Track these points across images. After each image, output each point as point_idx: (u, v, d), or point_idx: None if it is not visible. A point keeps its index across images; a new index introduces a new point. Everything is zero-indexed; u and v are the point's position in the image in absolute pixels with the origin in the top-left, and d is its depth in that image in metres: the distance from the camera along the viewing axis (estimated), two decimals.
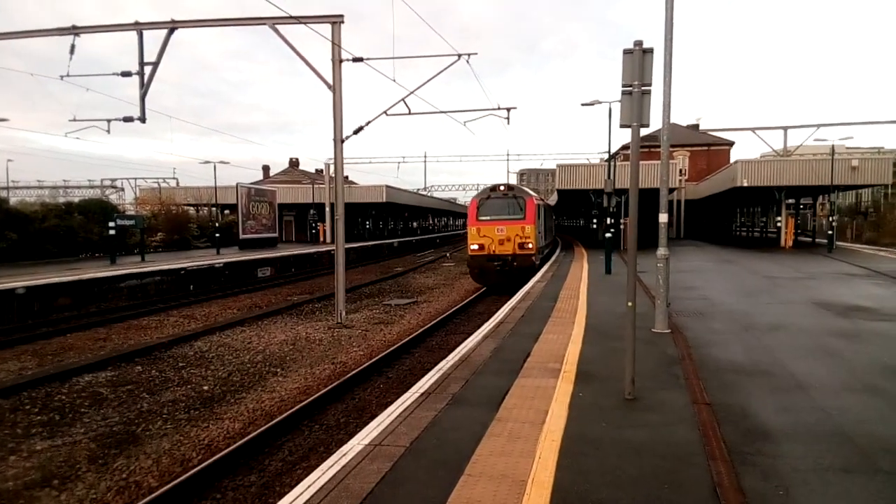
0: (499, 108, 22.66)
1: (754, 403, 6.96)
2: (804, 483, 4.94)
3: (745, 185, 33.51)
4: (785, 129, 45.25)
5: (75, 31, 17.33)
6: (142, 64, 17.59)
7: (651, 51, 7.27)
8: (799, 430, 6.11)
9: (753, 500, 4.62)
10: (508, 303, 14.92)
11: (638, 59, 7.24)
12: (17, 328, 17.44)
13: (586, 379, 7.99)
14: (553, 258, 29.49)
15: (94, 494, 7.18)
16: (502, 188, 23.44)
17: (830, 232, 33.39)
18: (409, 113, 20.06)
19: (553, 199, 54.47)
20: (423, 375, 8.50)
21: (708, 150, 58.66)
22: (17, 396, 10.81)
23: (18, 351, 14.55)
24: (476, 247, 22.66)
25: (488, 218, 22.75)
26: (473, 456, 5.50)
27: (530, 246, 22.37)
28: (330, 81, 16.97)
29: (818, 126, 41.47)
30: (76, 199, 43.94)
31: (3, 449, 8.55)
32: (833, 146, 32.92)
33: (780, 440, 5.85)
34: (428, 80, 18.97)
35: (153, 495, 6.79)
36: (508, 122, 23.13)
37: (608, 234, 22.95)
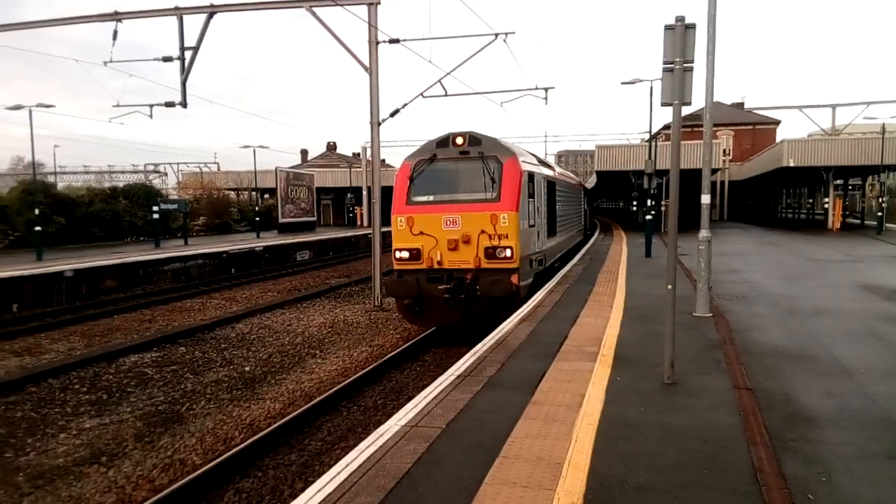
0: (536, 88, 22.45)
1: (797, 388, 6.80)
2: (848, 470, 4.82)
3: (792, 165, 32.67)
4: (833, 106, 43.85)
5: (117, 16, 17.66)
6: (182, 49, 17.85)
7: (693, 26, 7.08)
8: (843, 416, 5.95)
9: (795, 486, 4.53)
10: (545, 287, 14.73)
11: (680, 34, 7.06)
12: (65, 310, 18.00)
13: (624, 363, 7.91)
14: (591, 242, 29.02)
15: (141, 471, 7.40)
16: (459, 141, 12.84)
17: (880, 213, 32.34)
18: (446, 94, 20.03)
19: (592, 181, 53.86)
20: (458, 358, 8.52)
21: (753, 129, 57.31)
22: (67, 376, 11.18)
23: (67, 332, 15.04)
24: (406, 254, 12.60)
25: (430, 199, 12.75)
26: (509, 438, 5.49)
27: (508, 254, 12.10)
28: (367, 63, 16.99)
29: (868, 103, 40.04)
30: (121, 184, 44.98)
31: (54, 427, 8.87)
32: (884, 124, 31.83)
33: (823, 426, 5.71)
34: (464, 61, 18.90)
35: (198, 472, 6.96)
36: (546, 103, 22.84)
37: (648, 217, 22.61)
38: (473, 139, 12.83)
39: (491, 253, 12.11)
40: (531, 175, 13.37)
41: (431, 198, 12.74)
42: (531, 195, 13.35)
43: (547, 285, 14.62)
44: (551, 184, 16.50)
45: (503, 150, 12.84)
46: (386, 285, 13.41)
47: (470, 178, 12.74)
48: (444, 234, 12.33)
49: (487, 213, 12.19)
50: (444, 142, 13.00)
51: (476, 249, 12.20)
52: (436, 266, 12.39)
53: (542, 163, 17.30)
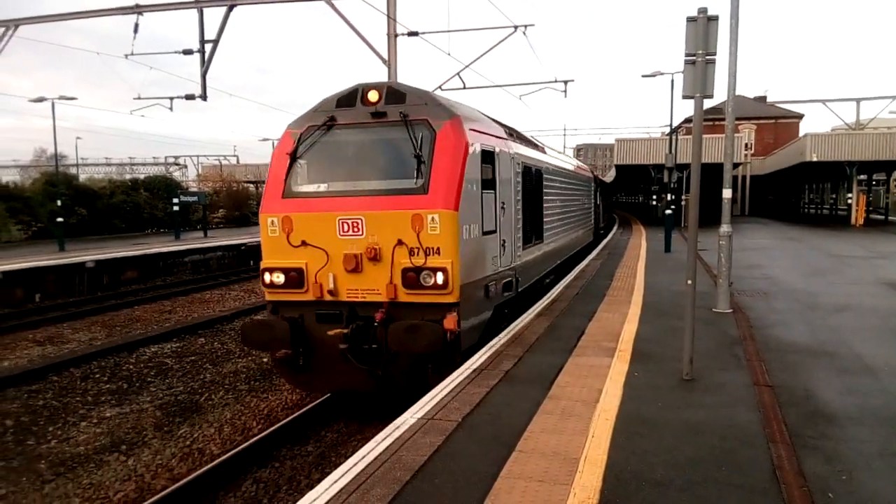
0: (556, 81, 22.24)
1: (818, 386, 6.72)
2: (869, 468, 4.75)
3: (815, 159, 32.22)
4: (858, 100, 43.24)
5: (138, 9, 17.74)
6: (202, 42, 17.90)
7: (716, 18, 6.99)
8: (865, 414, 5.87)
9: (815, 484, 4.47)
10: (562, 281, 14.63)
11: (702, 26, 6.97)
12: (87, 300, 18.23)
13: (642, 358, 7.85)
14: (607, 238, 28.83)
15: (160, 460, 7.49)
16: (372, 97, 8.18)
17: None
18: (464, 87, 19.94)
19: (611, 175, 53.48)
20: (475, 352, 8.50)
21: (775, 123, 56.56)
22: (88, 365, 11.33)
23: (89, 322, 15.23)
24: (280, 277, 8.05)
25: (319, 189, 8.32)
26: (525, 432, 5.48)
27: (440, 279, 7.52)
28: (385, 56, 16.96)
29: (893, 98, 39.42)
30: (142, 176, 45.47)
31: (75, 415, 9.00)
32: None
33: (844, 424, 5.64)
34: (483, 54, 18.82)
35: (216, 462, 7.03)
36: (565, 96, 22.66)
37: (668, 211, 22.42)
38: (393, 93, 8.23)
39: (413, 278, 7.61)
40: (487, 152, 8.71)
41: (322, 187, 8.28)
42: (488, 184, 8.77)
43: (563, 281, 14.43)
44: (535, 170, 11.87)
45: (438, 111, 8.09)
46: (243, 329, 8.28)
47: (384, 154, 8.27)
48: (339, 246, 7.82)
49: (407, 213, 7.64)
50: (350, 98, 8.36)
51: (390, 271, 7.71)
52: (328, 297, 7.91)
53: (517, 136, 11.77)
